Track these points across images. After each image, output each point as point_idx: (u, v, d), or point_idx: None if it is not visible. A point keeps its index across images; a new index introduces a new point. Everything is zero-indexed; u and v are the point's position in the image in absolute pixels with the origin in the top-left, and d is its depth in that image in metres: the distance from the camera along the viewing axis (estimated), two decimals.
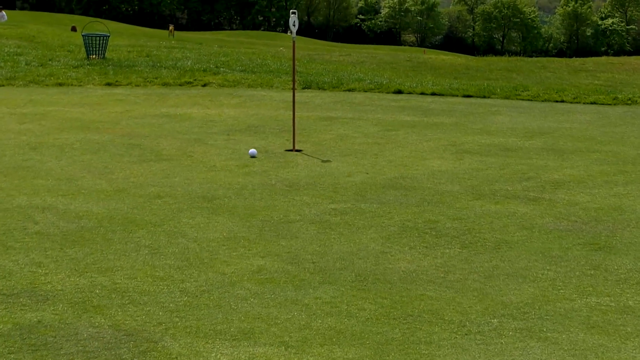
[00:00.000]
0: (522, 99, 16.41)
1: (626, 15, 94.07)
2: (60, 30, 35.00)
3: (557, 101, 16.15)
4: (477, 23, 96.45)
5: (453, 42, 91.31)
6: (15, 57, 21.08)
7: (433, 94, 17.23)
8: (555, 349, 4.59)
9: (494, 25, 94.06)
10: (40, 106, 14.16)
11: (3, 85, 17.29)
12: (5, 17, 41.63)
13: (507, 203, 7.90)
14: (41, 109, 13.76)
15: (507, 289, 5.52)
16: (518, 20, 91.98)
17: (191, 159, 9.92)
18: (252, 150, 10.53)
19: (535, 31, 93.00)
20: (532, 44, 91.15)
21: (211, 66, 20.47)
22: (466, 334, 4.75)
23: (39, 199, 7.67)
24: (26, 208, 7.31)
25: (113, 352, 4.31)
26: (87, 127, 12.05)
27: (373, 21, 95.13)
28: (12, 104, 14.33)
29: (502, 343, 4.67)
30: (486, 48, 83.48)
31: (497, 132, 12.02)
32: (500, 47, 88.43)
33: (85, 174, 8.88)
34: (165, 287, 5.35)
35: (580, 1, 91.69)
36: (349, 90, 17.56)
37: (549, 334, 4.77)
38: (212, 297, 5.20)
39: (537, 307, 5.19)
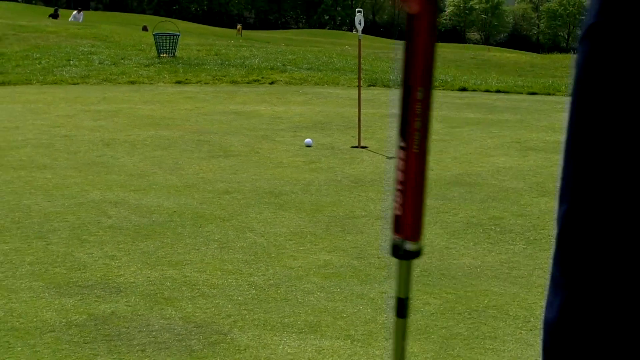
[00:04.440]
0: None
1: None
2: (132, 30, 35.45)
3: None
4: (542, 21, 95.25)
5: (518, 40, 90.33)
6: (89, 56, 21.42)
7: (498, 91, 17.09)
8: None
9: (559, 23, 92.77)
10: (113, 104, 14.36)
11: (78, 84, 17.58)
12: (82, 19, 42.65)
13: None
14: (114, 107, 13.96)
15: None
16: (584, 17, 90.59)
17: (259, 155, 9.97)
18: (308, 140, 10.56)
19: None
20: None
21: (278, 64, 20.56)
22: (531, 330, 4.70)
23: (112, 194, 7.78)
24: (100, 202, 7.41)
25: (183, 344, 4.36)
26: (158, 123, 12.19)
27: (438, 19, 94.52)
28: (87, 102, 14.56)
29: None
30: (551, 45, 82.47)
31: (562, 129, 11.82)
32: (565, 44, 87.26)
33: (156, 169, 8.98)
34: (233, 281, 5.39)
35: None
36: None
37: None
38: (279, 291, 5.22)
39: None
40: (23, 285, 5.20)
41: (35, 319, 4.63)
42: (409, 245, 1.41)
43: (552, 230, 6.70)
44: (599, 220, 1.48)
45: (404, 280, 1.41)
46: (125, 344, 4.34)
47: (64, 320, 4.62)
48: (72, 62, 20.42)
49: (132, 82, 17.64)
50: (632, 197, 1.45)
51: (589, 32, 1.54)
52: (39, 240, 6.18)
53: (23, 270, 5.49)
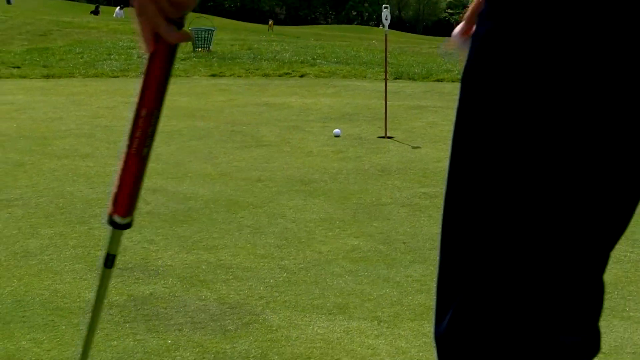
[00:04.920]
0: None
1: None
2: None
3: None
4: None
5: None
6: (128, 51, 21.51)
7: None
8: (638, 328, 4.49)
9: None
10: None
11: (117, 77, 17.66)
12: (123, 15, 43.13)
13: None
14: None
15: None
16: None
17: (289, 145, 9.97)
18: (337, 130, 10.56)
19: None
20: None
21: (308, 58, 20.55)
22: None
23: (150, 181, 7.80)
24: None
25: (218, 323, 4.38)
26: (194, 115, 12.23)
27: (461, 15, 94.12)
28: (126, 94, 14.63)
29: None
30: None
31: None
32: None
33: (192, 158, 9.01)
34: (265, 264, 5.40)
35: None
36: (438, 80, 17.42)
37: (631, 313, 4.67)
38: (309, 274, 5.23)
39: (620, 288, 5.08)
40: (67, 267, 5.24)
41: (78, 299, 4.67)
42: (118, 219, 1.73)
43: None
44: (479, 241, 1.50)
45: (115, 243, 1.78)
46: (163, 323, 4.37)
47: (105, 301, 4.64)
48: (112, 56, 20.52)
49: None
50: (507, 222, 1.47)
51: (463, 76, 1.55)
52: (82, 225, 6.23)
53: (67, 253, 5.53)
